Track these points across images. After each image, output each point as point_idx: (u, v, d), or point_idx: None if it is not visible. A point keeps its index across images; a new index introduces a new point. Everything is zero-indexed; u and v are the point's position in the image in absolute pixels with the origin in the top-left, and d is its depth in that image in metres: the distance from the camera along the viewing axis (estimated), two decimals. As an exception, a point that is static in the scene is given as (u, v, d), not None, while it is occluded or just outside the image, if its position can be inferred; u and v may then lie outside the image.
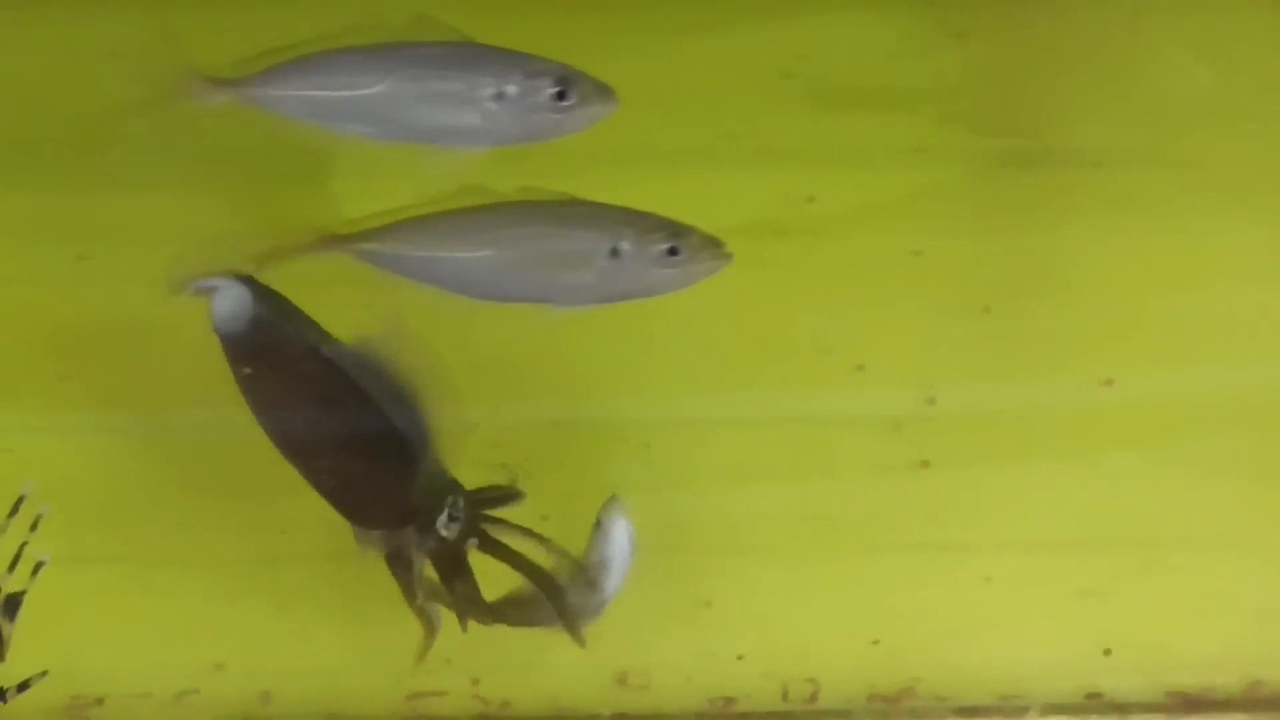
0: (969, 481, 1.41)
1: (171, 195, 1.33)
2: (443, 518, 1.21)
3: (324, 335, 1.19)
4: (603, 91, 1.18)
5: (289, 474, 1.30)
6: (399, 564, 1.22)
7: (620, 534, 1.26)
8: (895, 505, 1.41)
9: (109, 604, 1.38)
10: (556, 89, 1.17)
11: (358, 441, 1.19)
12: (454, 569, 1.23)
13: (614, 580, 1.27)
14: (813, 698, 1.42)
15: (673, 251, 1.20)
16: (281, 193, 1.31)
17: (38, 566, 1.14)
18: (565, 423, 1.38)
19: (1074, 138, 1.40)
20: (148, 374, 1.34)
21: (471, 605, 1.24)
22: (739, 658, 1.42)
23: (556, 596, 1.24)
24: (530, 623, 1.27)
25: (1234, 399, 1.43)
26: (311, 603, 1.38)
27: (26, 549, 1.14)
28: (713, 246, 1.21)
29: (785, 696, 1.42)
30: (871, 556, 1.41)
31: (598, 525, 1.27)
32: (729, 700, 1.42)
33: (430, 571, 1.24)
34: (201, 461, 1.35)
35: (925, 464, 1.41)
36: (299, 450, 1.20)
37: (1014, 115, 1.39)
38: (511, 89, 1.17)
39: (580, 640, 1.25)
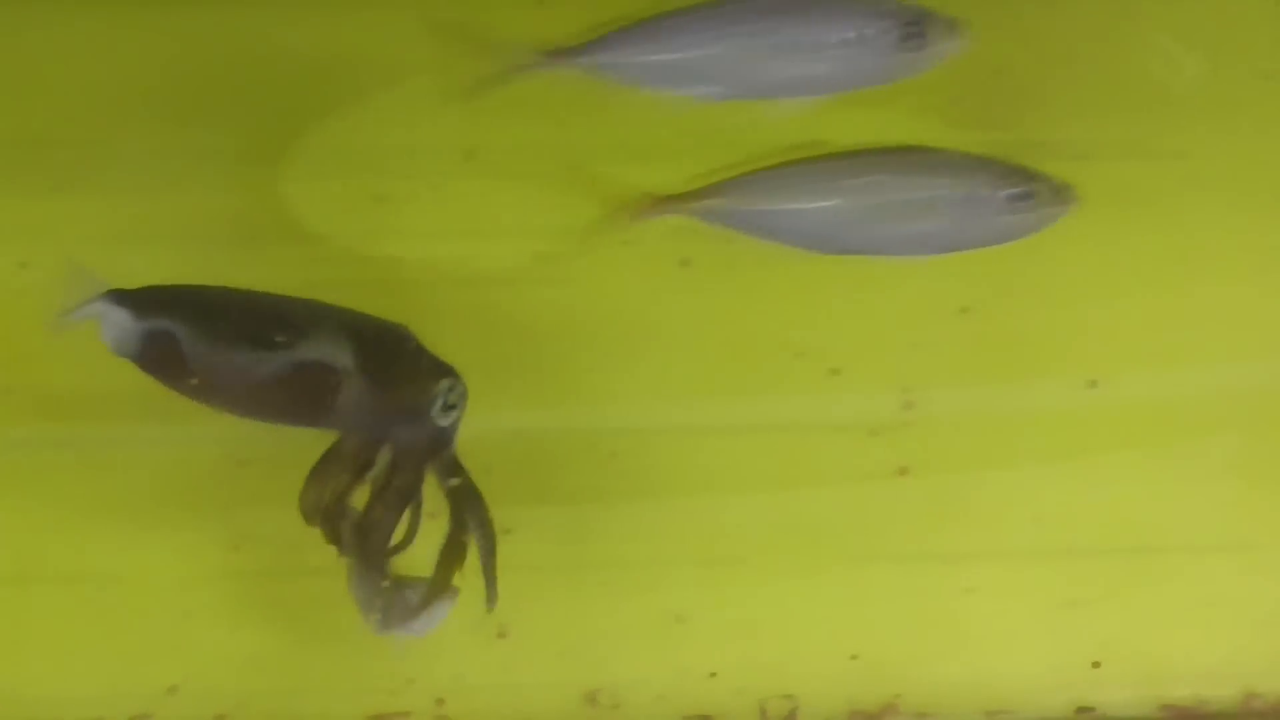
0: (950, 488, 1.40)
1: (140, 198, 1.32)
2: (438, 406, 1.20)
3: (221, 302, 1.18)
4: (953, 28, 1.17)
5: (242, 488, 1.31)
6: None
7: None
8: (874, 514, 1.40)
9: (55, 625, 1.36)
10: (909, 29, 1.16)
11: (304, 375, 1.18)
12: (450, 471, 1.22)
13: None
14: (791, 715, 1.41)
15: (1025, 196, 1.19)
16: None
17: None
18: (529, 431, 1.37)
19: (1056, 130, 1.38)
20: (94, 386, 1.33)
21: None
22: (713, 674, 1.40)
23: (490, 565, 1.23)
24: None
25: (1226, 399, 1.41)
26: (268, 621, 1.37)
27: None
28: (1063, 190, 1.20)
29: (763, 714, 1.41)
30: (850, 568, 1.40)
31: None
32: (704, 718, 1.40)
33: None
34: (151, 476, 1.34)
35: (904, 471, 1.40)
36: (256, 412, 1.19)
37: (992, 107, 1.38)
38: (864, 33, 1.16)
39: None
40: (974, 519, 1.40)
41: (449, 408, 1.19)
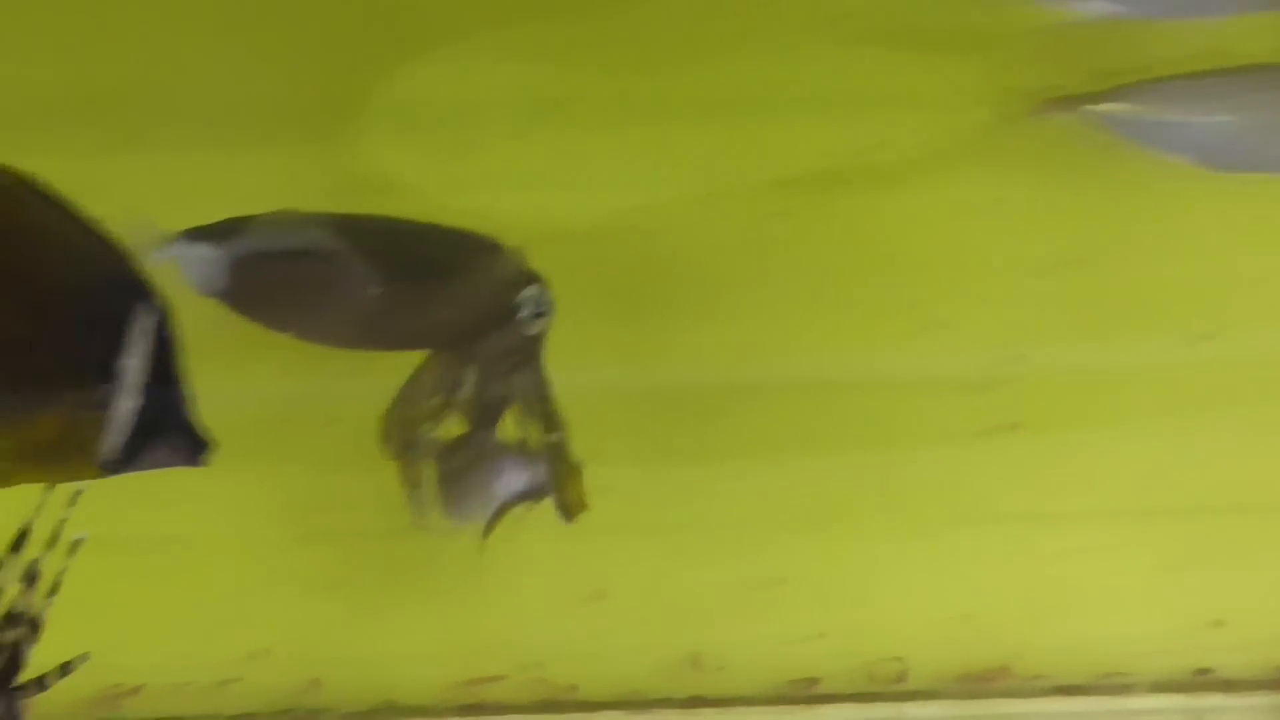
0: (1060, 445, 1.37)
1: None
2: (526, 314, 1.18)
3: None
4: None
5: (330, 448, 1.29)
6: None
7: None
8: (981, 472, 1.37)
9: (140, 590, 1.36)
10: None
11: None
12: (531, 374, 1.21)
13: None
14: (900, 678, 1.39)
15: None
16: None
17: (75, 544, 1.09)
18: (625, 389, 1.35)
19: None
20: (187, 343, 1.30)
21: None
22: (820, 636, 1.38)
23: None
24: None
25: (1346, 354, 1.38)
26: (361, 584, 1.36)
27: (65, 526, 1.09)
28: None
29: (870, 677, 1.39)
30: (958, 527, 1.37)
31: None
32: (810, 681, 1.39)
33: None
34: (236, 437, 1.32)
35: (1014, 427, 1.37)
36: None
37: (1098, 53, 1.32)
38: None
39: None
40: (1086, 476, 1.38)
41: (537, 315, 1.18)
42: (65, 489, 1.08)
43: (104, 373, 0.97)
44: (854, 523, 1.38)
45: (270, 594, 1.36)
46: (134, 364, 0.97)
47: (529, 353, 1.19)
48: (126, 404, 0.97)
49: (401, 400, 1.19)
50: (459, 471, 1.19)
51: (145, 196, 1.26)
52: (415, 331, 1.19)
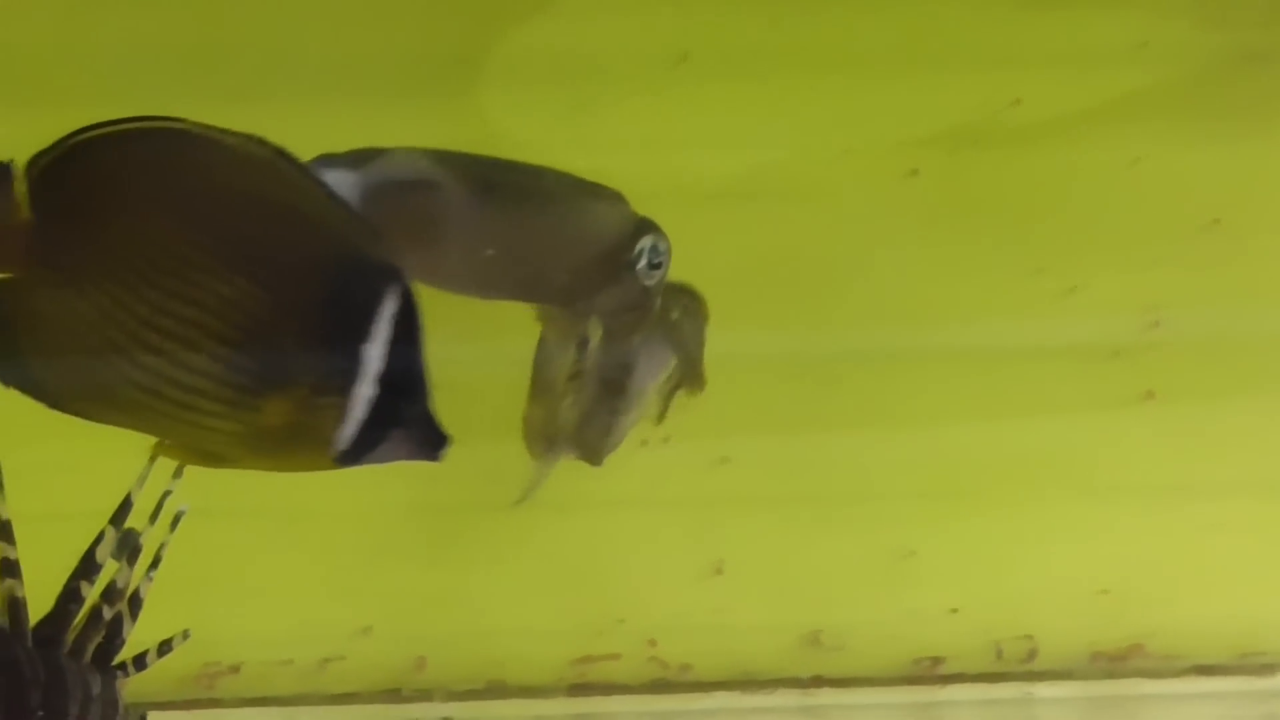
0: (1200, 415, 1.34)
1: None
2: (643, 264, 1.16)
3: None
4: None
5: (443, 417, 1.27)
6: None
7: None
8: (1117, 442, 1.35)
9: (245, 561, 1.33)
10: None
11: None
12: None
13: None
14: (1030, 656, 1.36)
15: None
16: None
17: (177, 517, 1.07)
18: (747, 355, 1.30)
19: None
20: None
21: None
22: (949, 612, 1.36)
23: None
24: None
25: None
26: (465, 559, 1.33)
27: (169, 499, 1.07)
28: None
29: (999, 655, 1.36)
30: (1092, 500, 1.35)
31: None
32: (936, 660, 1.36)
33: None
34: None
35: (1149, 395, 1.35)
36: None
37: (1248, 5, 1.32)
38: None
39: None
40: (1226, 447, 1.35)
41: (654, 266, 1.15)
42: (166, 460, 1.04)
43: (345, 358, 0.93)
44: (983, 495, 1.36)
45: (376, 568, 1.34)
46: (377, 350, 0.93)
47: (647, 308, 1.16)
48: (365, 392, 0.93)
49: (536, 391, 1.17)
50: (593, 446, 1.17)
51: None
52: (529, 279, 1.16)
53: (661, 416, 1.18)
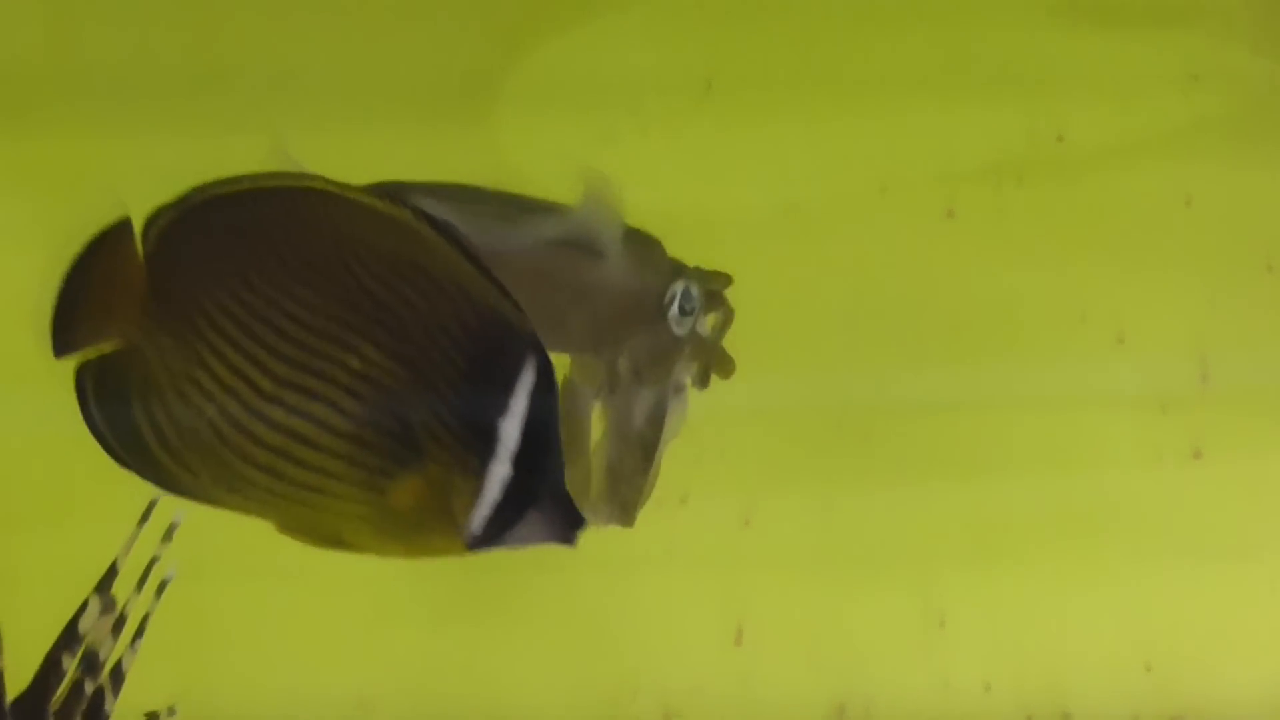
0: (1253, 472, 1.31)
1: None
2: (674, 311, 1.11)
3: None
4: None
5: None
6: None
7: None
8: (1165, 501, 1.31)
9: (235, 626, 1.28)
10: None
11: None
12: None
13: None
14: (1068, 733, 1.31)
15: None
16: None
17: (162, 585, 1.03)
18: (772, 405, 1.27)
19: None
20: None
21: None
22: (983, 688, 1.31)
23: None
24: None
25: None
26: (475, 619, 1.29)
27: (157, 565, 1.02)
28: None
29: (1036, 732, 1.31)
30: (1138, 563, 1.30)
31: None
32: (970, 737, 1.31)
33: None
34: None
35: (1198, 453, 1.30)
36: None
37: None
38: None
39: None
40: (1277, 508, 1.31)
41: (685, 313, 1.10)
42: (160, 521, 1.01)
43: (481, 434, 0.90)
44: (1020, 556, 1.31)
45: (381, 632, 1.29)
46: (514, 425, 0.90)
47: (677, 355, 1.11)
48: (501, 471, 0.90)
49: (566, 445, 1.11)
50: (628, 505, 1.11)
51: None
52: (552, 325, 1.11)
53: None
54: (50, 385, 1.18)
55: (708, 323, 1.12)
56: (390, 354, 0.90)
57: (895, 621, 1.31)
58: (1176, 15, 1.28)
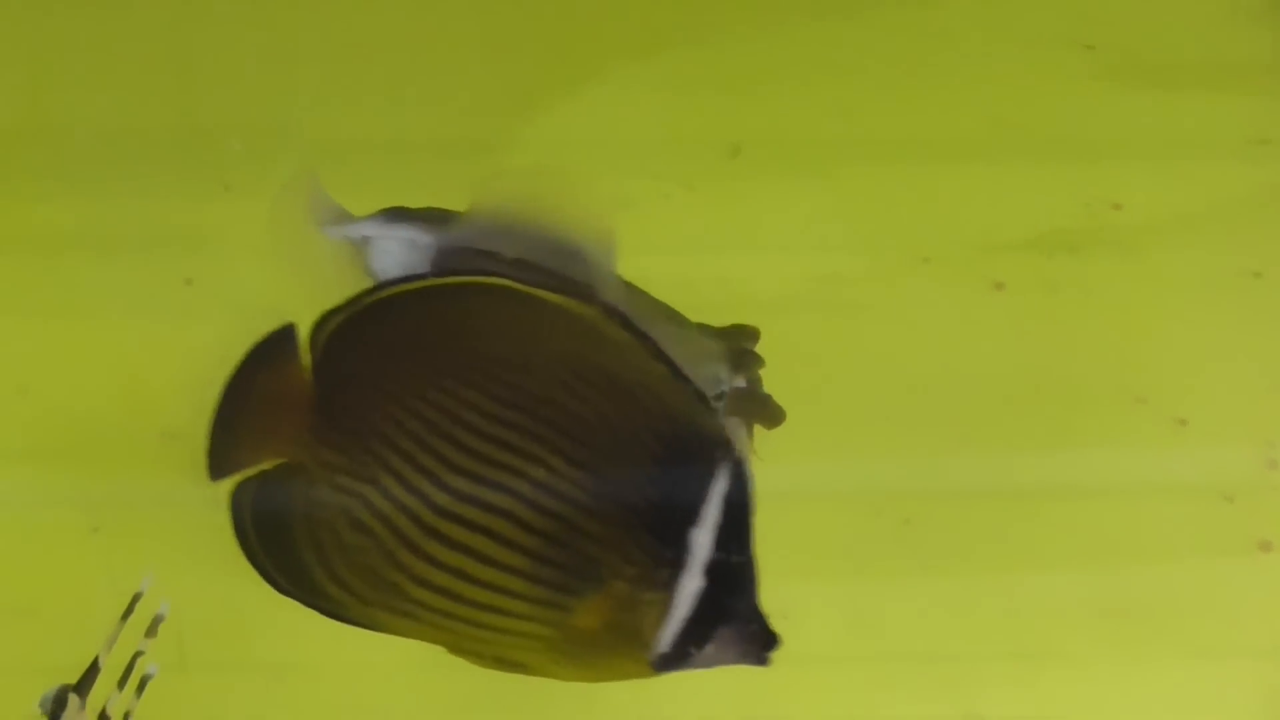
0: (1322, 568, 1.26)
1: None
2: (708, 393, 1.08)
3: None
4: None
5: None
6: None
7: None
8: (1229, 597, 1.26)
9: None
10: None
11: None
12: None
13: None
14: None
15: None
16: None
17: (144, 681, 1.00)
18: (805, 491, 1.23)
19: None
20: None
21: None
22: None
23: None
24: None
25: None
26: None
27: (140, 660, 1.00)
28: None
29: None
30: (1199, 662, 1.25)
31: None
32: None
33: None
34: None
35: (1266, 545, 1.26)
36: None
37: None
38: None
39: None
40: (1352, 606, 1.27)
41: (717, 397, 1.10)
42: (144, 614, 1.00)
43: (672, 546, 0.88)
44: (1068, 657, 1.26)
45: None
46: (706, 535, 0.88)
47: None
48: (692, 585, 0.88)
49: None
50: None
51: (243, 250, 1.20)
52: None
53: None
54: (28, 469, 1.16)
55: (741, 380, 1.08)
56: (576, 464, 0.87)
57: (934, 723, 1.27)
58: (1241, 76, 1.26)
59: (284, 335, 0.90)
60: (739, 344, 1.10)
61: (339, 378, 0.89)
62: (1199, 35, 1.27)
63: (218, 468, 0.91)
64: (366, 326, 0.89)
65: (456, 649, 0.92)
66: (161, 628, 1.01)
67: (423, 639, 0.90)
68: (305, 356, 0.90)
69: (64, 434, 1.22)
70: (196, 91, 1.24)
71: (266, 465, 0.91)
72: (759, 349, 1.15)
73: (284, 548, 0.91)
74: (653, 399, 0.88)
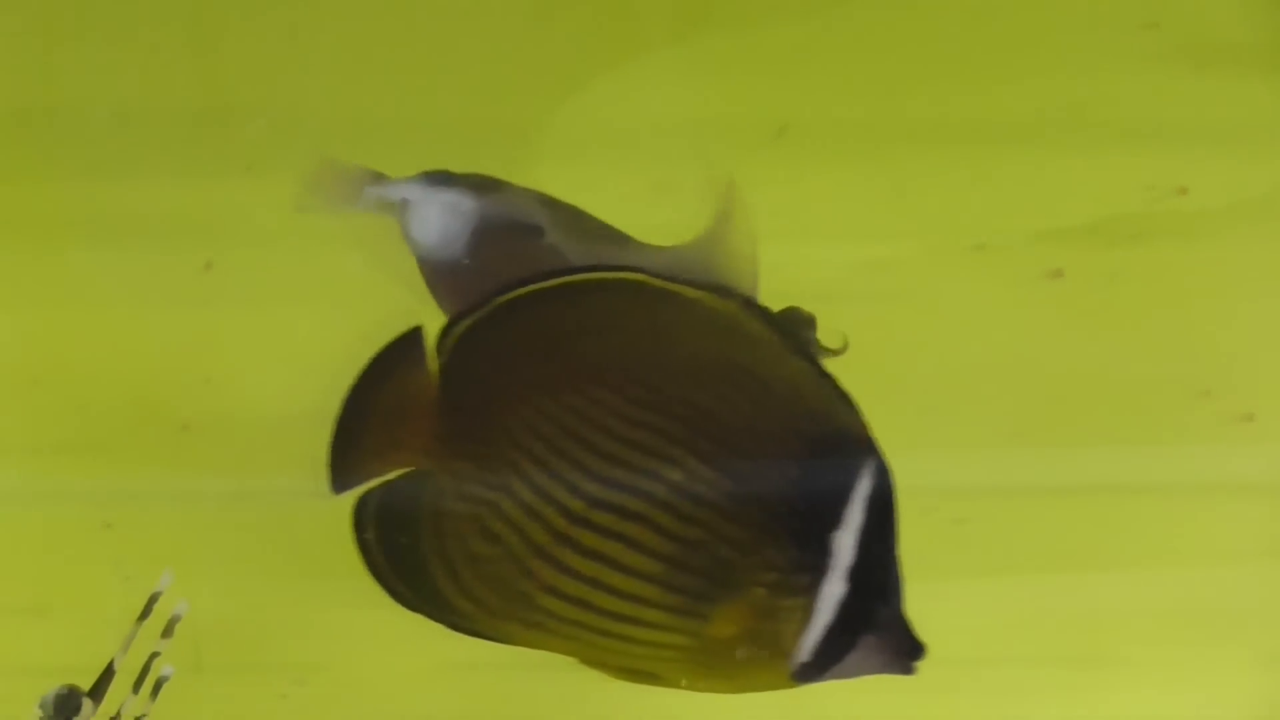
0: (1399, 571, 1.24)
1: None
2: None
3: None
4: None
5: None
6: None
7: None
8: None
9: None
10: None
11: None
12: None
13: None
14: None
15: None
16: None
17: (159, 684, 1.00)
18: None
19: None
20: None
21: None
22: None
23: None
24: None
25: None
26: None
27: (156, 661, 1.00)
28: None
29: None
30: (1267, 669, 1.24)
31: None
32: None
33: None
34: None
35: None
36: None
37: None
38: None
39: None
40: None
41: None
42: (161, 615, 1.00)
43: (813, 550, 0.88)
44: (1127, 662, 1.25)
45: None
46: (849, 539, 0.88)
47: None
48: (834, 590, 0.88)
49: None
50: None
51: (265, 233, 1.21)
52: None
53: None
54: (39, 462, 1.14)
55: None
56: (714, 466, 0.87)
57: (981, 732, 1.26)
58: (1313, 53, 1.22)
59: (410, 339, 0.88)
60: (800, 331, 1.08)
61: (467, 382, 0.88)
62: (1268, 12, 1.24)
63: (341, 480, 0.90)
64: (496, 328, 0.88)
65: (589, 661, 0.91)
66: (178, 628, 1.01)
67: (553, 650, 0.90)
68: (433, 361, 0.87)
69: (77, 425, 1.21)
70: (217, 69, 1.22)
71: (391, 475, 0.89)
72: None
73: (410, 560, 0.90)
74: (794, 396, 0.87)
